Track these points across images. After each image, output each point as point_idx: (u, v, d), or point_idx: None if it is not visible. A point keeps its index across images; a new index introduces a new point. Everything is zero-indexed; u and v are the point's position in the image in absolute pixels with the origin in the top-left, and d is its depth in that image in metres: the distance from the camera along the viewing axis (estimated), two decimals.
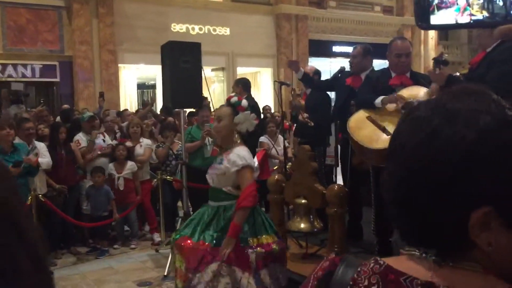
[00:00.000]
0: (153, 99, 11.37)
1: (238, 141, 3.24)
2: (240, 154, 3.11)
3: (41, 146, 5.74)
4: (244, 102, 3.23)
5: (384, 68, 4.21)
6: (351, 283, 0.75)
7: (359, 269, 0.76)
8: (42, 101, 10.35)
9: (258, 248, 3.08)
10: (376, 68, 4.82)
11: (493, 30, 3.25)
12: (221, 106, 3.45)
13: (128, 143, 6.47)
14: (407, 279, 0.72)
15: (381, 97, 3.74)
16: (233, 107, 3.23)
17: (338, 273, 0.78)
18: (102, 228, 6.08)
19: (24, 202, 4.91)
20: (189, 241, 3.13)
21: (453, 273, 0.71)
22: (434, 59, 3.53)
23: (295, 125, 6.54)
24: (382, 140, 3.44)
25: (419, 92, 3.67)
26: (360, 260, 0.80)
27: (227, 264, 2.97)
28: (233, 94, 3.76)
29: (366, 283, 0.74)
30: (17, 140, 5.38)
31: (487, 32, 3.30)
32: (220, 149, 3.35)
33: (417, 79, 3.94)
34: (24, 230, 0.74)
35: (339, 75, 5.08)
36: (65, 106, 10.03)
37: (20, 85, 9.77)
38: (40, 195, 5.21)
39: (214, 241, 3.06)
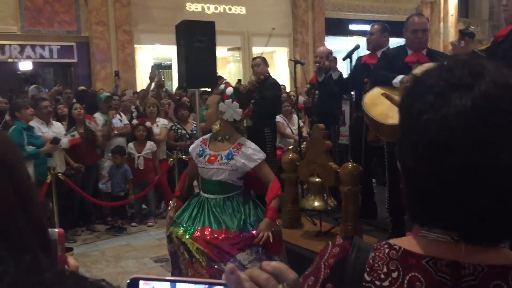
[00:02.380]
0: (156, 76, 10.94)
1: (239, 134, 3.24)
2: (253, 148, 3.14)
3: (59, 126, 5.85)
4: (229, 90, 3.13)
5: (400, 46, 4.16)
6: (367, 269, 0.74)
7: (373, 254, 0.75)
8: (58, 82, 10.43)
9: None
10: (393, 47, 4.77)
11: None
12: (214, 94, 3.40)
13: (148, 123, 6.53)
14: (429, 261, 0.71)
15: (400, 76, 3.67)
16: (220, 94, 3.17)
17: (351, 260, 0.76)
18: (120, 206, 6.19)
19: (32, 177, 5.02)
20: (207, 232, 3.02)
21: (478, 251, 0.70)
22: (460, 30, 3.47)
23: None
24: (397, 115, 3.41)
25: None
26: (370, 244, 0.79)
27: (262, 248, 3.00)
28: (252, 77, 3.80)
29: (385, 269, 0.73)
30: (35, 120, 5.48)
31: None
32: (221, 139, 3.20)
33: (434, 57, 3.89)
34: (23, 190, 0.74)
35: (352, 55, 5.01)
36: (82, 87, 10.12)
37: (28, 64, 9.82)
38: (60, 174, 5.32)
39: (241, 225, 3.05)
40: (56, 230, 0.90)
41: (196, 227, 3.06)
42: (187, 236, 3.04)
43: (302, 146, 5.48)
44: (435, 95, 0.68)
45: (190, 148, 3.34)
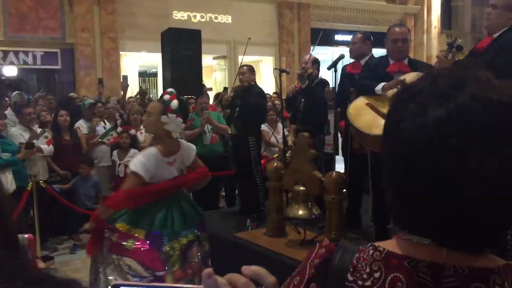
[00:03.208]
0: (145, 91, 11.19)
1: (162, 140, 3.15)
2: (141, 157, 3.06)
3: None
4: (174, 103, 3.07)
5: (383, 56, 4.21)
6: (351, 269, 0.75)
7: (357, 255, 0.76)
8: (41, 87, 10.32)
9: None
10: (376, 57, 4.82)
11: (502, 9, 3.18)
12: (154, 101, 3.47)
13: (132, 131, 6.48)
14: (411, 262, 0.72)
15: (382, 84, 3.74)
16: (164, 105, 3.11)
17: (335, 260, 0.77)
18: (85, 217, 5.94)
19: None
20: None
21: (460, 254, 0.71)
22: (448, 43, 3.51)
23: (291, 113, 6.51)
24: (382, 126, 3.44)
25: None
26: (356, 246, 0.80)
27: None
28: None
29: (368, 270, 0.74)
30: (17, 127, 5.41)
31: (499, 12, 3.24)
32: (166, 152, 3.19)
33: (416, 66, 3.94)
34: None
35: (337, 64, 5.04)
36: (72, 94, 9.98)
37: (13, 70, 9.70)
38: (41, 181, 5.24)
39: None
40: (26, 235, 0.90)
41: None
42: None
43: (287, 154, 5.48)
44: (417, 104, 0.70)
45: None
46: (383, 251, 0.75)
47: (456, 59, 3.38)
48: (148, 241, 2.95)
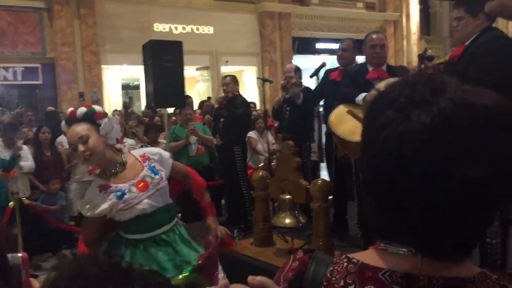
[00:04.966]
0: (129, 104, 11.14)
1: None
2: (151, 149, 2.63)
3: (25, 149, 5.70)
4: (98, 108, 2.44)
5: (362, 63, 4.26)
6: (325, 283, 0.74)
7: (331, 268, 0.75)
8: (19, 103, 10.20)
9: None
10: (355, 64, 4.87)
11: (476, 17, 3.23)
12: (73, 126, 2.37)
13: (118, 145, 6.40)
14: (385, 274, 0.71)
15: (363, 94, 3.76)
16: (89, 119, 2.38)
17: (309, 273, 0.76)
18: (68, 233, 5.70)
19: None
20: None
21: (435, 264, 0.70)
22: (419, 55, 3.57)
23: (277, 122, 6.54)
24: None
25: None
26: (331, 257, 0.79)
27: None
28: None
29: (341, 283, 0.73)
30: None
31: (465, 22, 3.31)
32: (119, 169, 2.48)
33: (394, 72, 4.00)
34: None
35: (319, 72, 5.08)
36: (50, 108, 9.91)
37: None
38: (23, 198, 5.16)
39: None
40: (20, 254, 0.87)
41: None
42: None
43: (272, 163, 5.49)
44: (395, 111, 0.69)
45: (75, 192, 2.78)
46: (357, 263, 0.74)
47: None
48: None
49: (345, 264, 0.75)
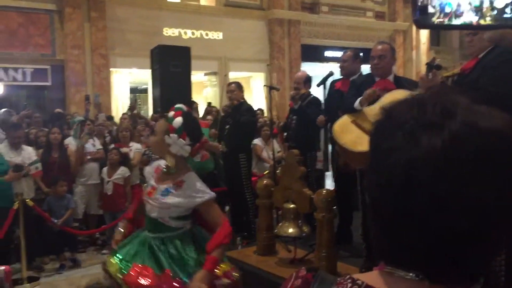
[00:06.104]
0: (134, 106, 11.16)
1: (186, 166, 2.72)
2: (198, 186, 2.67)
3: (30, 151, 5.71)
4: (176, 122, 2.63)
5: (369, 73, 4.24)
6: None
7: None
8: (26, 105, 10.24)
9: (224, 279, 2.67)
10: (363, 74, 4.86)
11: (484, 34, 3.24)
12: (162, 119, 2.79)
13: (125, 149, 6.41)
14: None
15: (358, 99, 3.76)
16: (168, 122, 2.68)
17: None
18: (70, 236, 5.80)
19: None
20: (147, 272, 2.57)
21: None
22: (427, 64, 3.54)
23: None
24: (366, 143, 3.43)
25: (403, 96, 3.68)
26: (334, 277, 0.77)
27: None
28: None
29: None
30: (3, 144, 5.35)
31: (480, 36, 3.29)
32: (166, 171, 2.76)
33: (401, 83, 3.96)
34: None
35: (326, 81, 5.07)
36: (58, 110, 9.96)
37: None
38: (28, 200, 5.16)
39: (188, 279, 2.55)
40: (2, 267, 0.84)
41: (131, 264, 2.62)
42: (119, 275, 2.61)
43: (277, 171, 5.46)
44: (404, 134, 0.67)
45: (146, 172, 3.02)
46: (361, 285, 0.72)
47: (439, 77, 3.40)
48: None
49: (349, 285, 0.73)
